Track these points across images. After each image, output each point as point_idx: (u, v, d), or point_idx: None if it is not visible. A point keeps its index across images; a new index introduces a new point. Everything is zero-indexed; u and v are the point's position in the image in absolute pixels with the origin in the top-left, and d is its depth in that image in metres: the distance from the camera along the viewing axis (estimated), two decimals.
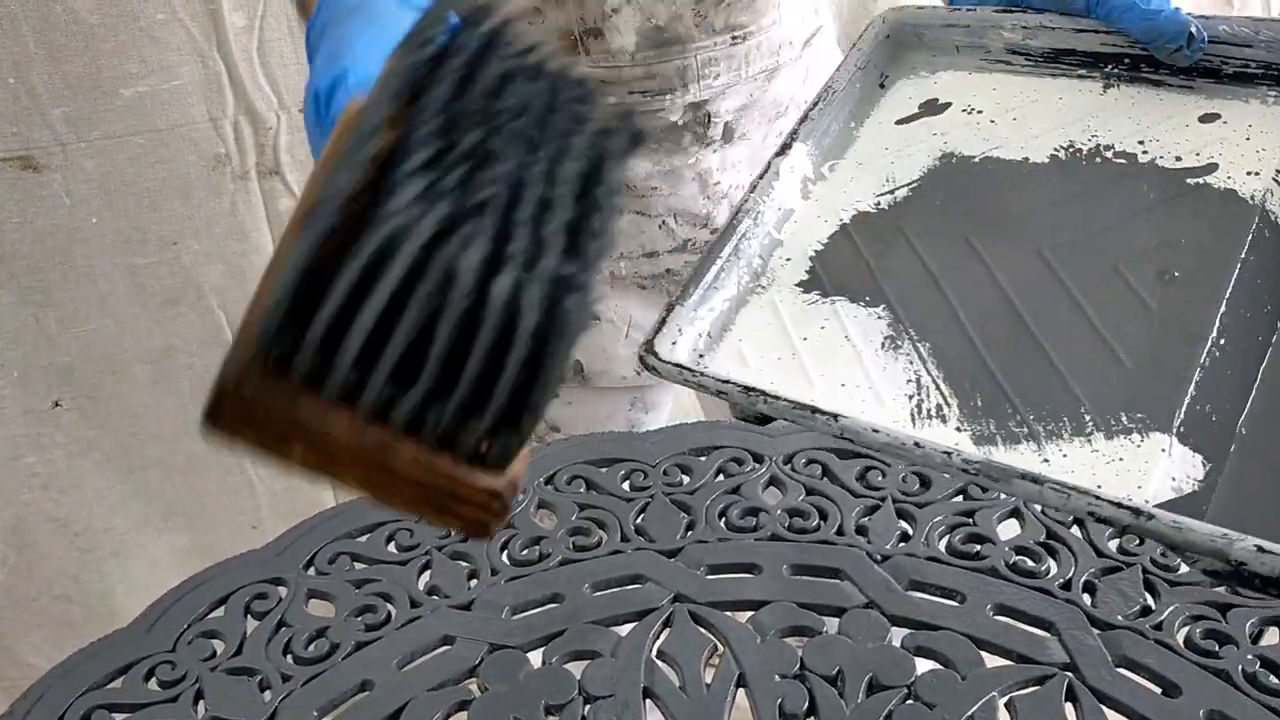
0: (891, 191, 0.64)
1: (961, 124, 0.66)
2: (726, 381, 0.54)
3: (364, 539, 0.80)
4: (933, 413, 0.53)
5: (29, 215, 1.27)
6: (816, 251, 0.62)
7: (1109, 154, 0.62)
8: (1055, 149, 0.63)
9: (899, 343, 0.57)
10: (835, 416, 0.51)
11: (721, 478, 0.84)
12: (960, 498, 0.81)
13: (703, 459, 0.85)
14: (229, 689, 0.68)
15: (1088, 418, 0.51)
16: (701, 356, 0.58)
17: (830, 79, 0.67)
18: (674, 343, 0.57)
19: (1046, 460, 0.50)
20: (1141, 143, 0.62)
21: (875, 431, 0.50)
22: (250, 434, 0.36)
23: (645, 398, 1.05)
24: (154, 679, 0.70)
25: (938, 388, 0.54)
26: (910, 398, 0.54)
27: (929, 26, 0.70)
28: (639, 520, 0.80)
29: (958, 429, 0.52)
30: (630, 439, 0.88)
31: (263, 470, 1.45)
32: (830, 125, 0.67)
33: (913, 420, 0.53)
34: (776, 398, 0.52)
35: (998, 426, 0.52)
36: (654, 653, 0.71)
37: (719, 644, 0.71)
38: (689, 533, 0.79)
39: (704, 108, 0.89)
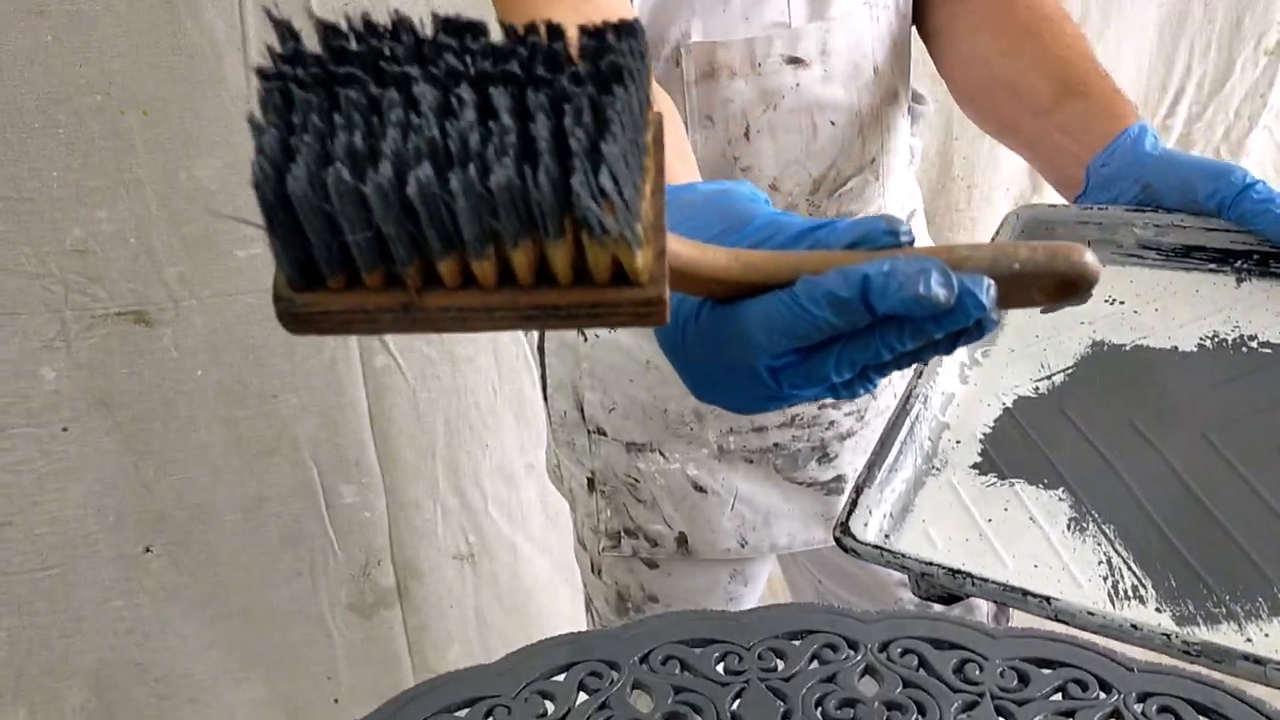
0: (1049, 377, 0.68)
1: (1106, 313, 0.71)
2: (930, 564, 0.56)
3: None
4: (1129, 593, 0.55)
5: (137, 367, 1.33)
6: (985, 434, 0.65)
7: (1254, 343, 0.66)
8: (1201, 338, 0.67)
9: (1084, 525, 0.59)
10: (1048, 599, 0.53)
11: (816, 664, 0.84)
12: (1059, 696, 0.80)
13: (797, 643, 0.85)
14: None
15: None
16: (887, 537, 0.59)
17: None
18: (865, 524, 0.58)
19: (1249, 640, 0.52)
20: None
21: (1090, 614, 0.52)
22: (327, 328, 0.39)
23: (745, 571, 1.06)
24: None
25: (1129, 569, 0.56)
26: (1105, 579, 0.56)
27: (1062, 222, 0.75)
28: (735, 706, 0.80)
29: (1157, 609, 0.54)
30: (724, 619, 0.89)
31: (341, 621, 1.47)
32: None
33: (1111, 601, 0.55)
34: (985, 580, 0.55)
35: (1196, 607, 0.54)
36: None
37: None
38: None
39: None
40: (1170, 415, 0.63)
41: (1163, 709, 0.78)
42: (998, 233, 0.78)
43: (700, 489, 0.99)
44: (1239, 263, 0.71)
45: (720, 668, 0.84)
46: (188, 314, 1.31)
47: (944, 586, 0.57)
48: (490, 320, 0.39)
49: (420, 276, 0.38)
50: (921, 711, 0.79)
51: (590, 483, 1.03)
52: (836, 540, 0.59)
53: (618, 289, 0.39)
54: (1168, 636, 0.51)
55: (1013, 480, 0.62)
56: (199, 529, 1.39)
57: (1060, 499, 0.60)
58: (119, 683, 1.41)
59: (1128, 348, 0.68)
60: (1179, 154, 0.74)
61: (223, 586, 1.42)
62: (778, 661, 0.84)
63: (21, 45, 1.18)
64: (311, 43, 0.40)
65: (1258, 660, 0.50)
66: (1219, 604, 0.54)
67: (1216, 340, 0.67)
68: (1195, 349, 0.67)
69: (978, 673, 0.82)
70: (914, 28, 0.93)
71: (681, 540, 1.01)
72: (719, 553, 1.01)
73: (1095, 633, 0.53)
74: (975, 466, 0.63)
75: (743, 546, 1.00)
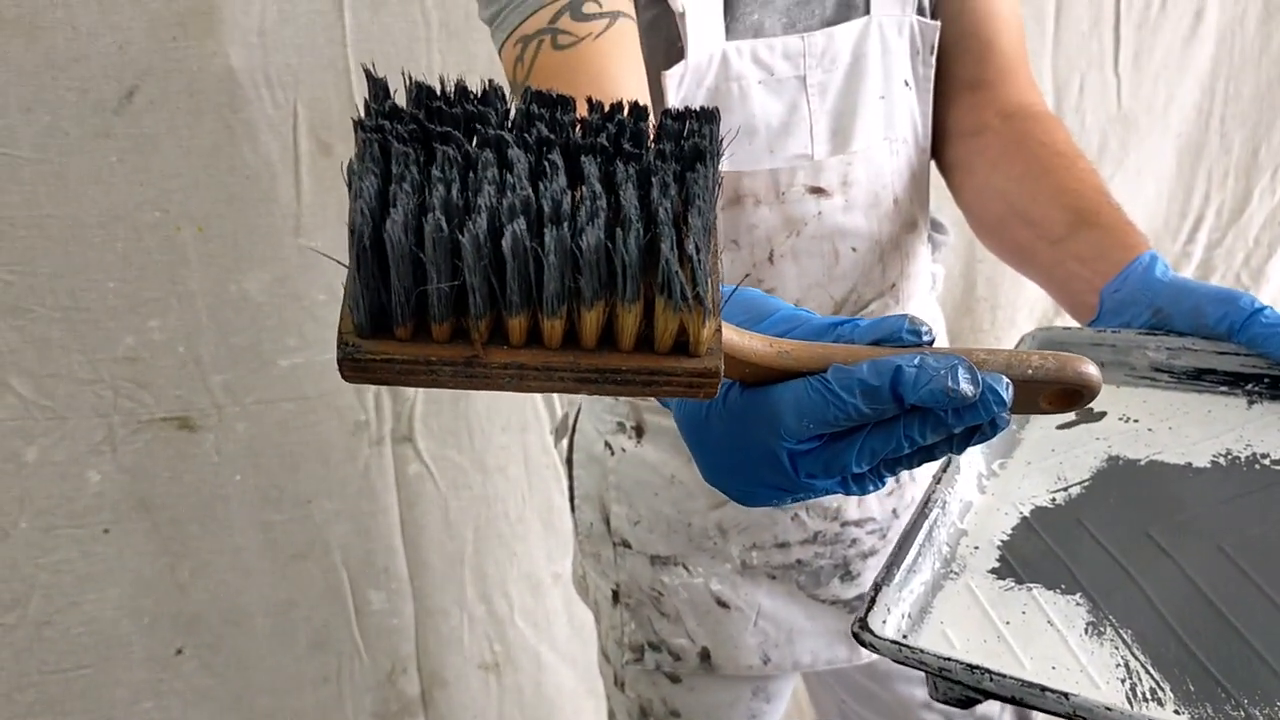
0: (1065, 489, 0.69)
1: (1120, 430, 0.73)
2: (948, 659, 0.56)
3: None
4: (1148, 696, 0.55)
5: (178, 471, 1.36)
6: (1003, 541, 0.66)
7: (1266, 461, 0.68)
8: (1215, 455, 0.69)
9: (1102, 629, 0.60)
10: (1066, 695, 0.53)
11: None
12: None
13: None
14: None
15: None
16: (905, 636, 0.59)
17: None
18: (883, 621, 0.59)
19: None
20: None
21: (1109, 710, 0.52)
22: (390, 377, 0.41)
23: (767, 688, 1.05)
24: None
25: (1148, 672, 0.57)
26: (1123, 681, 0.56)
27: (1077, 344, 0.77)
28: None
29: (1176, 712, 0.54)
30: None
31: None
32: None
33: (1129, 702, 0.55)
34: (1003, 676, 0.55)
35: (1215, 710, 0.54)
36: None
37: None
38: None
39: None
40: (1185, 527, 0.64)
41: None
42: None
43: (723, 604, 1.00)
44: (1250, 385, 0.73)
45: None
46: (230, 420, 1.36)
47: (961, 684, 0.57)
48: (548, 380, 0.41)
49: (487, 332, 0.40)
50: None
51: (615, 595, 1.05)
52: (854, 635, 0.59)
53: (677, 358, 0.41)
54: None
55: (1030, 585, 0.63)
56: (230, 632, 1.41)
57: (1078, 604, 0.61)
58: None
59: (1142, 463, 0.70)
60: (1188, 280, 0.76)
61: (250, 690, 1.43)
62: None
63: (88, 165, 1.25)
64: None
65: None
66: (1237, 707, 0.54)
67: (1229, 457, 0.69)
68: (1209, 465, 0.68)
69: None
70: (933, 162, 0.97)
71: (704, 655, 1.01)
72: (741, 669, 1.01)
73: None
74: (993, 571, 0.64)
75: (765, 663, 1.01)
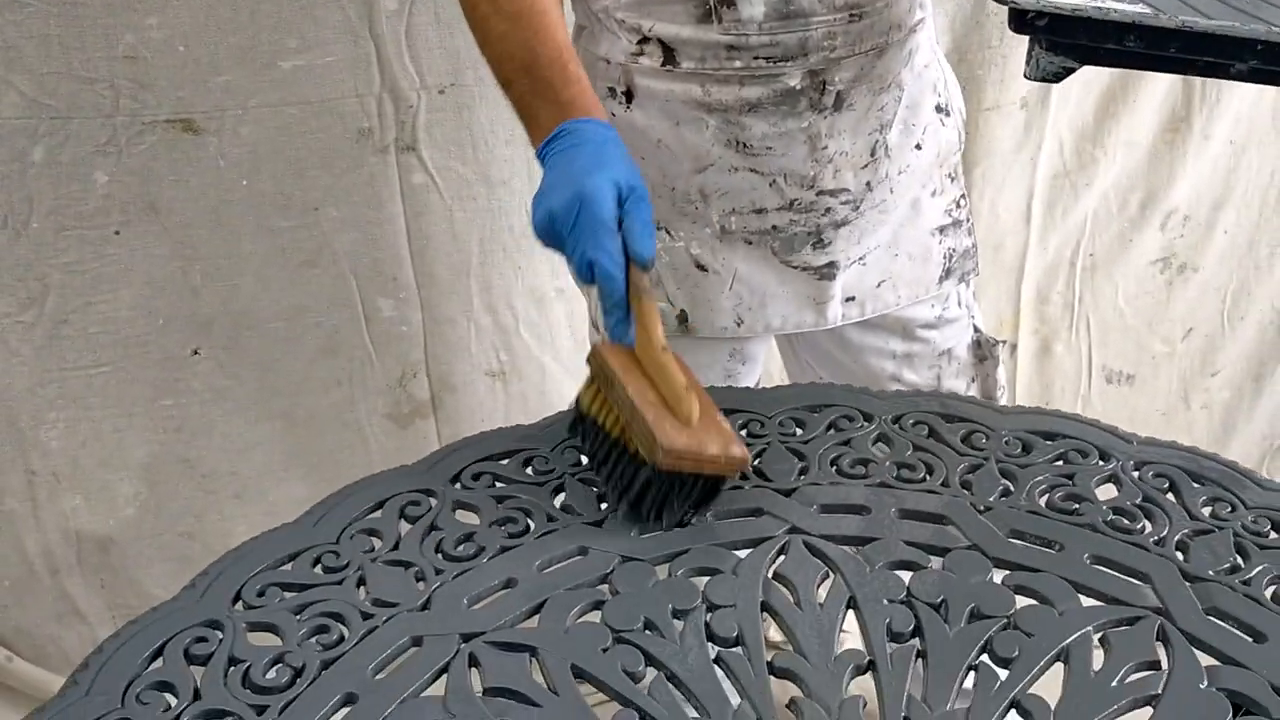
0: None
1: None
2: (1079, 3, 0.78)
3: (505, 462, 0.87)
4: None
5: (185, 174, 1.37)
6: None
7: None
8: None
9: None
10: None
11: (833, 432, 0.90)
12: (1060, 462, 0.86)
13: (816, 414, 0.91)
14: (388, 577, 0.76)
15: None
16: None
17: None
18: None
19: None
20: None
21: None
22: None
23: (743, 349, 1.13)
24: (320, 565, 0.78)
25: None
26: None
27: None
28: (757, 462, 0.87)
29: None
30: (748, 394, 0.95)
31: (376, 427, 1.54)
32: None
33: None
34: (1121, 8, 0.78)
35: None
36: (771, 574, 0.77)
37: (831, 571, 0.77)
38: (802, 476, 0.85)
39: (820, 76, 0.98)
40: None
41: (1158, 475, 0.84)
42: None
43: (702, 267, 1.05)
44: None
45: (744, 431, 0.90)
46: (233, 124, 1.35)
47: (1085, 27, 0.77)
48: None
49: None
50: (929, 470, 0.85)
51: None
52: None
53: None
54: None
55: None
56: (244, 335, 1.45)
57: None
58: (168, 477, 1.49)
59: None
60: None
61: (266, 391, 1.49)
62: (797, 428, 0.90)
63: None
64: None
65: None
66: None
67: None
68: None
69: (984, 441, 0.88)
70: None
71: (682, 318, 1.07)
72: (716, 330, 1.08)
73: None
74: None
75: (739, 325, 1.07)
